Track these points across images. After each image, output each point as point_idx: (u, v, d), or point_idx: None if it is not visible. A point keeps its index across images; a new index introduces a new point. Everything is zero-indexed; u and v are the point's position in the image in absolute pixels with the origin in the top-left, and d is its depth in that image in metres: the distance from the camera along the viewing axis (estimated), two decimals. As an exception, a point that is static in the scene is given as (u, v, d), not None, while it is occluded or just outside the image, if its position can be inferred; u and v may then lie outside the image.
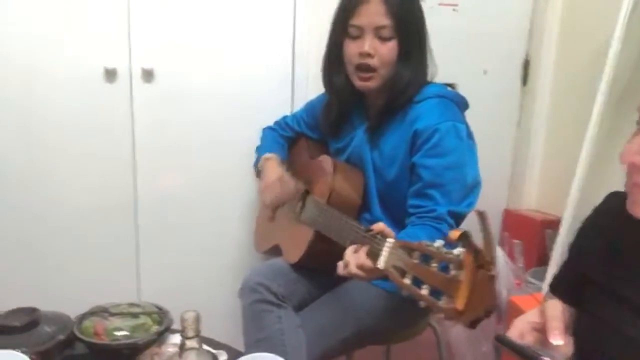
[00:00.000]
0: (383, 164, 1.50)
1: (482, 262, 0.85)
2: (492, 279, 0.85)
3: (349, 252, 1.20)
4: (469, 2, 2.29)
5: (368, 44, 1.42)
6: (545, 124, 2.44)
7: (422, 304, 0.96)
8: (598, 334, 0.97)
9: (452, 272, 0.90)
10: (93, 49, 1.81)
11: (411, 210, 1.42)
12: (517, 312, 1.88)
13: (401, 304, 1.43)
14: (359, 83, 1.48)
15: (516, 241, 2.38)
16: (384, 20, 1.40)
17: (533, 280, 2.17)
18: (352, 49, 1.45)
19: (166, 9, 1.86)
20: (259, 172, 1.75)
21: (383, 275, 1.10)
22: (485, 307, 0.85)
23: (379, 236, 1.14)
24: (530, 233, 2.34)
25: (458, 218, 1.39)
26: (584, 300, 1.04)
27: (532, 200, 2.50)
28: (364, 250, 1.17)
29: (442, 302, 0.91)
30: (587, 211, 1.11)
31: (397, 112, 1.47)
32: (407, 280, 1.00)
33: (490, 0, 2.32)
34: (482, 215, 0.83)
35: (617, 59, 1.91)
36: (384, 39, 1.42)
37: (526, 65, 2.45)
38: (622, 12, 1.90)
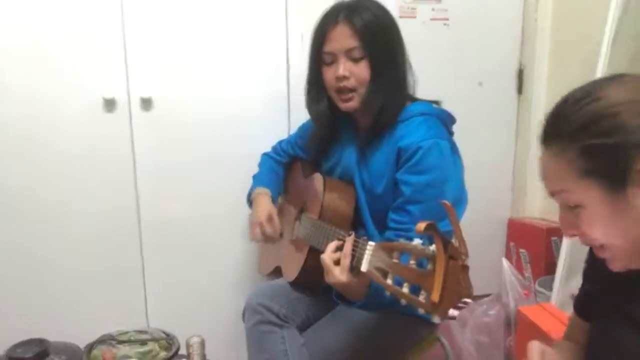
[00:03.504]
0: (371, 180, 1.52)
1: (453, 252, 0.87)
2: (464, 268, 0.87)
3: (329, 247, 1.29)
4: (460, 15, 2.32)
5: (342, 67, 1.46)
6: (542, 130, 2.44)
7: (403, 302, 0.97)
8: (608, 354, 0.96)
9: (429, 267, 0.92)
10: (91, 80, 1.86)
11: (391, 224, 1.43)
12: (526, 322, 1.84)
13: (405, 321, 1.45)
14: (342, 105, 1.52)
15: (522, 250, 2.36)
16: (352, 42, 1.45)
17: (541, 290, 2.13)
18: (329, 74, 1.50)
19: (162, 38, 1.92)
20: (251, 203, 1.78)
21: (363, 280, 1.15)
22: (460, 296, 0.86)
23: (360, 240, 1.17)
24: (536, 242, 2.32)
25: None
26: (599, 320, 1.02)
27: (535, 209, 2.48)
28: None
29: (421, 297, 0.93)
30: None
31: (385, 132, 1.50)
32: (389, 281, 1.02)
33: (481, 13, 2.35)
34: (446, 207, 0.85)
35: (608, 64, 1.92)
36: (355, 60, 1.46)
37: (520, 74, 2.46)
38: (610, 18, 1.91)
